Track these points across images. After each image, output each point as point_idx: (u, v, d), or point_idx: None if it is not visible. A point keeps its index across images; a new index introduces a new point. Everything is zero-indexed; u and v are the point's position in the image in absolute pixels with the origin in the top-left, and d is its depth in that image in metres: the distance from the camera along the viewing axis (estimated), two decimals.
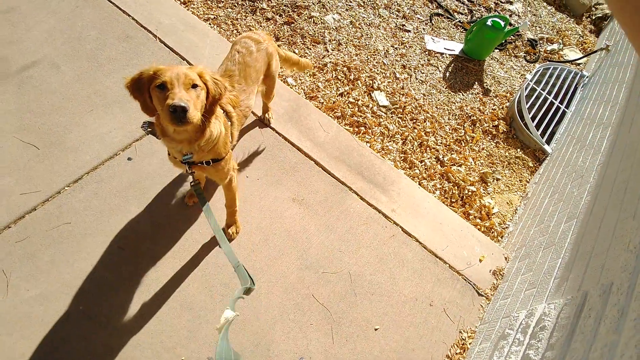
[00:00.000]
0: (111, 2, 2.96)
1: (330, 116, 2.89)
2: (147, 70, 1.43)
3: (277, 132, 2.61)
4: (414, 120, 3.08)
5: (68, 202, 2.15)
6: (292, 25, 3.43)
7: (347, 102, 3.05)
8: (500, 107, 3.38)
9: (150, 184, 2.28)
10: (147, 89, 1.44)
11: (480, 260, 2.37)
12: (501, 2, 4.44)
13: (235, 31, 3.26)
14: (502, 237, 2.63)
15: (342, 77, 3.21)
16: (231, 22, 3.33)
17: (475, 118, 3.22)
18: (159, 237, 2.14)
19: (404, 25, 3.76)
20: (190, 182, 1.71)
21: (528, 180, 2.99)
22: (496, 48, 3.86)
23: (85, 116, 2.44)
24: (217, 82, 1.54)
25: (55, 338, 1.83)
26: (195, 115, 1.38)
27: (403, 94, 3.21)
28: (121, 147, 2.36)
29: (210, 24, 3.25)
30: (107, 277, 1.99)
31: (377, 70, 3.32)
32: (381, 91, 3.19)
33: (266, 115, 2.59)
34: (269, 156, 2.51)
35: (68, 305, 1.91)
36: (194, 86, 1.43)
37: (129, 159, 2.34)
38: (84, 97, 2.50)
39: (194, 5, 3.36)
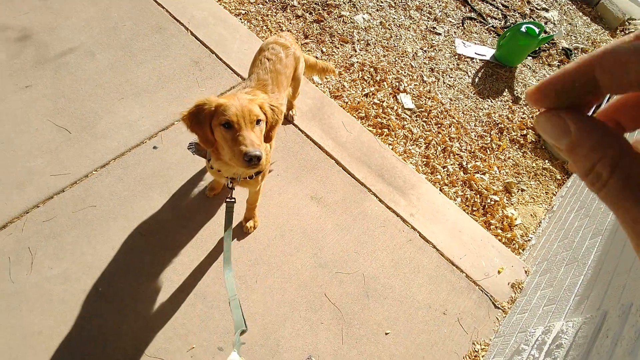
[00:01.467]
0: None
1: (354, 116, 2.85)
2: (207, 105, 1.42)
3: (299, 129, 2.60)
4: (439, 125, 3.01)
5: (95, 185, 2.20)
6: (322, 23, 3.41)
7: (371, 103, 3.01)
8: (530, 116, 3.26)
9: (173, 173, 2.31)
10: (208, 123, 1.42)
11: (499, 272, 2.29)
12: (537, 8, 4.28)
13: (265, 27, 3.26)
14: (523, 250, 2.54)
15: (368, 77, 3.16)
16: (261, 18, 3.33)
17: (503, 126, 3.11)
18: (179, 226, 2.16)
19: (435, 27, 3.68)
20: (227, 198, 1.67)
21: (554, 192, 2.87)
22: (529, 55, 3.72)
23: (116, 104, 2.49)
24: (274, 109, 1.55)
25: (72, 316, 1.87)
26: (265, 159, 1.40)
27: (429, 98, 3.14)
28: (148, 136, 2.40)
29: (240, 19, 3.26)
30: (127, 262, 2.03)
31: (405, 72, 3.26)
32: (407, 94, 3.13)
33: (290, 112, 2.58)
34: (290, 153, 2.49)
35: (88, 285, 1.95)
36: (258, 121, 1.43)
37: (155, 147, 2.37)
38: (116, 85, 2.56)
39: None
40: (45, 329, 1.83)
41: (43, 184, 2.17)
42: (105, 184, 2.22)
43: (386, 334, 2.01)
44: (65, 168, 2.23)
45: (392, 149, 2.75)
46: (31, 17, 2.78)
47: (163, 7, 2.96)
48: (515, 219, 2.64)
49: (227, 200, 1.67)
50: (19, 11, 2.81)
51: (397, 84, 3.17)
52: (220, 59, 2.79)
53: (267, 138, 1.57)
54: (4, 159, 2.22)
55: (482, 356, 2.03)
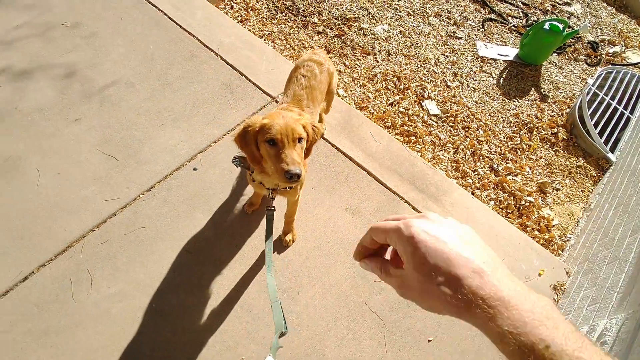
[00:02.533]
0: (178, 24, 3.18)
1: (381, 126, 2.89)
2: (252, 125, 1.53)
3: (330, 142, 2.66)
4: (466, 129, 3.00)
5: (142, 208, 2.33)
6: (343, 37, 3.48)
7: (397, 111, 3.04)
8: (560, 113, 3.20)
9: (213, 192, 2.41)
10: (254, 141, 1.53)
11: (540, 275, 2.25)
12: (558, 3, 4.20)
13: (288, 46, 3.36)
14: (562, 251, 2.48)
15: (392, 87, 3.20)
16: (284, 37, 3.44)
17: (532, 125, 3.07)
18: (222, 243, 2.25)
19: (455, 32, 3.68)
20: (267, 207, 1.74)
21: (591, 190, 2.80)
22: (554, 52, 3.65)
23: (157, 130, 2.63)
24: (315, 129, 1.64)
25: (129, 333, 1.98)
26: (304, 174, 1.48)
27: (454, 102, 3.13)
28: (187, 158, 2.52)
29: (265, 39, 3.38)
30: (176, 279, 2.13)
31: (428, 79, 3.27)
32: (432, 100, 3.14)
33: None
34: (322, 166, 2.55)
35: (143, 302, 2.06)
36: (299, 139, 1.52)
37: (195, 169, 2.49)
38: (156, 113, 2.70)
39: (249, 22, 3.51)
40: (106, 345, 1.95)
41: (96, 209, 2.32)
42: (152, 206, 2.35)
43: (429, 341, 2.01)
44: (115, 193, 2.37)
45: (421, 155, 2.76)
46: (75, 55, 2.99)
47: (194, 36, 3.11)
48: (552, 220, 2.59)
49: (268, 209, 1.74)
50: (64, 50, 3.02)
51: (421, 91, 3.19)
52: (250, 81, 2.90)
53: (307, 154, 1.68)
54: (61, 188, 2.39)
55: None
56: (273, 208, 1.75)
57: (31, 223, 2.26)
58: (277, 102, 2.80)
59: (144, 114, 2.69)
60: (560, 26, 3.24)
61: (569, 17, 4.08)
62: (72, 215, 2.29)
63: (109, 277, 2.12)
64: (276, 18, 3.57)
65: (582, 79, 3.54)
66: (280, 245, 2.25)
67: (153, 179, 2.43)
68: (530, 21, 3.94)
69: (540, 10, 4.10)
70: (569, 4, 4.22)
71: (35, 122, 2.67)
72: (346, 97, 3.10)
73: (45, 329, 1.96)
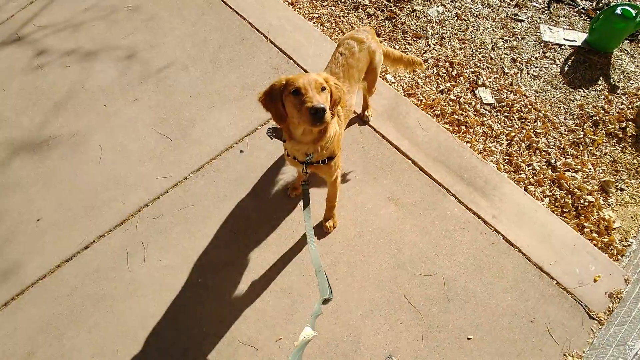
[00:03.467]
0: (230, 7, 3.19)
1: (430, 114, 2.76)
2: (278, 82, 1.54)
3: (375, 130, 2.58)
4: (523, 120, 2.79)
5: (192, 187, 2.42)
6: (394, 20, 3.33)
7: (447, 99, 2.88)
8: (630, 106, 2.87)
9: (258, 175, 2.45)
10: (279, 98, 1.54)
11: (595, 280, 2.08)
12: None
13: (337, 29, 3.27)
14: (622, 256, 2.27)
15: (443, 73, 3.03)
16: (334, 20, 3.35)
17: (598, 118, 2.79)
18: (264, 225, 2.29)
19: (517, 14, 3.39)
20: (302, 182, 1.80)
21: None
22: (626, 39, 3.26)
23: (207, 112, 2.70)
24: (338, 87, 1.62)
25: (178, 303, 2.10)
26: (329, 115, 1.46)
27: (511, 91, 2.91)
28: (235, 141, 2.57)
29: (314, 22, 3.31)
30: (221, 256, 2.21)
31: (483, 65, 3.06)
32: (486, 87, 2.94)
33: (366, 112, 2.57)
34: (366, 154, 2.50)
35: (190, 276, 2.17)
36: (323, 89, 1.52)
37: (241, 151, 2.53)
38: (207, 95, 2.76)
39: (299, 5, 3.45)
40: (158, 312, 2.08)
41: (150, 185, 2.44)
42: (200, 185, 2.43)
43: (468, 339, 1.95)
44: (168, 172, 2.47)
45: (470, 147, 2.62)
46: (136, 37, 3.11)
47: (245, 19, 3.11)
48: (613, 222, 2.36)
49: (302, 183, 1.79)
50: (126, 32, 3.15)
51: (475, 78, 2.99)
52: (297, 64, 2.87)
53: (331, 113, 1.61)
54: (121, 164, 2.53)
55: None
56: (307, 182, 1.79)
57: (94, 195, 2.43)
58: None
59: (195, 96, 2.76)
60: (634, 12, 2.88)
61: None
62: (130, 190, 2.43)
63: (160, 250, 2.24)
64: (326, 0, 3.47)
65: None
66: (322, 232, 2.25)
67: (202, 160, 2.51)
68: (601, 4, 3.53)
69: None
70: None
71: (99, 101, 2.83)
72: (394, 82, 2.98)
73: (103, 295, 2.12)
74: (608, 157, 2.66)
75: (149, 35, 3.11)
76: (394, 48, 3.16)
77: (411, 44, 3.18)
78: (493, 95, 2.91)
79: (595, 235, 2.31)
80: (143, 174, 2.48)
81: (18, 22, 3.29)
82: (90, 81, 2.94)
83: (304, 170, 1.78)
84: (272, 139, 1.79)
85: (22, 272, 2.21)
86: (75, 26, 3.24)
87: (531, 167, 2.58)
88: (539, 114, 2.81)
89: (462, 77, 2.99)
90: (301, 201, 2.34)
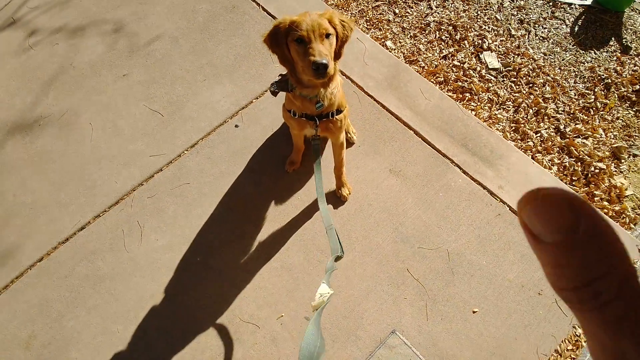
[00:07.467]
0: None
1: (432, 82, 2.55)
2: (283, 23, 1.44)
3: (375, 99, 2.39)
4: (530, 85, 2.58)
5: (187, 164, 2.28)
6: None
7: (451, 65, 2.66)
8: None
9: (254, 150, 2.29)
10: (284, 42, 1.45)
11: None
12: None
13: None
14: (635, 225, 2.13)
15: (446, 37, 2.79)
16: None
17: (610, 81, 2.57)
18: (262, 201, 2.16)
19: None
20: (312, 137, 1.73)
21: None
22: None
23: (199, 86, 2.51)
24: (344, 24, 1.50)
25: (177, 283, 2.00)
26: (332, 67, 1.41)
27: (518, 54, 2.68)
28: (229, 115, 2.40)
29: None
30: (220, 234, 2.10)
31: (488, 27, 2.81)
32: (492, 51, 2.71)
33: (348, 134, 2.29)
34: (367, 124, 2.32)
35: (188, 255, 2.06)
36: (327, 35, 1.42)
37: (236, 126, 2.37)
38: (198, 68, 2.57)
39: None
40: (157, 292, 1.99)
41: (144, 164, 2.30)
42: (195, 162, 2.28)
43: (474, 312, 1.84)
44: (161, 149, 2.33)
45: (475, 115, 2.43)
46: (123, 10, 2.88)
47: None
48: (626, 189, 2.21)
49: (313, 139, 1.73)
50: (113, 5, 2.92)
51: (480, 41, 2.75)
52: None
53: (338, 55, 1.54)
54: (112, 142, 2.38)
55: (584, 341, 1.77)
56: (318, 137, 1.73)
57: (87, 175, 2.30)
58: None
59: (187, 69, 2.57)
60: None
61: None
62: (123, 169, 2.29)
63: (157, 230, 2.13)
64: None
65: None
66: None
67: (196, 136, 2.35)
68: None
69: None
70: None
71: (88, 77, 2.65)
72: (395, 49, 2.76)
73: (102, 276, 2.03)
74: (620, 121, 2.46)
75: (136, 6, 2.88)
76: (394, 13, 2.91)
77: (412, 7, 2.92)
78: (499, 60, 2.68)
79: (606, 203, 2.16)
80: (136, 152, 2.33)
81: (15, 6, 3.07)
82: (79, 58, 2.74)
83: (315, 126, 1.69)
84: (275, 94, 1.65)
85: (19, 255, 2.11)
86: (64, 3, 3.00)
87: (539, 135, 2.39)
88: (548, 77, 2.59)
89: (466, 41, 2.75)
90: (302, 177, 2.20)
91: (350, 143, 2.26)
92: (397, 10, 2.93)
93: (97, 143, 2.39)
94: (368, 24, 2.87)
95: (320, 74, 1.38)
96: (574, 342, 1.77)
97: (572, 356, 1.75)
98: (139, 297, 1.97)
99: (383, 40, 2.78)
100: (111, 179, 2.27)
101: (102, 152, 2.35)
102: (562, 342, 1.77)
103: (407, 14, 2.91)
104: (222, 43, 2.65)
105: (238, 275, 2.00)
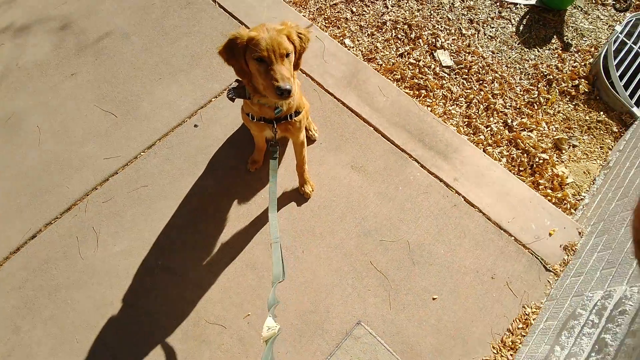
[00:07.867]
0: None
1: (390, 79, 2.62)
2: (240, 37, 1.40)
3: (335, 97, 2.43)
4: (481, 81, 2.71)
5: (144, 166, 2.20)
6: None
7: (407, 63, 2.75)
8: (582, 63, 2.86)
9: (215, 149, 2.26)
10: (242, 54, 1.42)
11: (550, 234, 2.10)
12: None
13: None
14: (575, 210, 2.31)
15: (402, 35, 2.88)
16: None
17: (551, 77, 2.76)
18: (225, 201, 2.13)
19: None
20: (271, 142, 1.70)
21: (611, 147, 2.55)
22: None
23: (155, 85, 2.43)
24: (302, 36, 1.49)
25: (138, 288, 1.94)
26: (295, 90, 1.41)
27: (469, 52, 2.82)
28: (188, 115, 2.34)
29: None
30: (181, 236, 2.05)
31: (441, 26, 2.93)
32: (445, 50, 2.83)
33: (310, 132, 2.32)
34: (327, 122, 2.35)
35: (148, 259, 2.00)
36: (287, 55, 1.41)
37: (196, 125, 2.32)
38: (152, 66, 2.48)
39: None
40: (116, 299, 1.91)
41: (98, 167, 2.20)
42: (153, 164, 2.21)
43: (434, 299, 1.93)
44: (116, 151, 2.23)
45: (431, 110, 2.53)
46: (70, 6, 2.73)
47: None
48: (566, 177, 2.39)
49: (271, 143, 1.70)
50: (59, 1, 2.75)
51: (434, 40, 2.86)
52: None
53: (296, 66, 1.55)
54: (62, 146, 2.26)
55: (533, 319, 1.91)
56: (277, 142, 1.71)
57: (37, 181, 2.17)
58: None
59: (140, 67, 2.48)
60: None
61: None
62: (75, 174, 2.18)
63: (114, 235, 2.05)
64: None
65: (609, 26, 3.14)
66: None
67: (153, 136, 2.27)
68: None
69: None
70: None
71: (34, 78, 2.49)
72: (353, 47, 2.81)
73: (56, 285, 1.93)
74: (561, 115, 2.65)
75: (85, 1, 2.73)
76: (352, 11, 2.96)
77: (369, 6, 2.99)
78: (452, 58, 2.80)
79: (549, 191, 2.33)
80: (88, 155, 2.22)
81: None
82: (25, 57, 2.57)
83: (274, 129, 1.67)
84: (233, 100, 1.62)
85: None
86: (10, 1, 2.79)
87: (489, 129, 2.53)
88: (496, 75, 2.75)
89: (420, 40, 2.85)
90: (264, 175, 2.19)
91: (311, 140, 2.28)
92: (354, 9, 2.98)
93: (47, 147, 2.25)
94: (326, 22, 2.90)
95: (284, 97, 1.39)
96: (523, 320, 1.90)
97: (522, 334, 1.88)
98: (97, 305, 1.89)
99: (341, 38, 2.82)
100: (62, 183, 2.15)
101: (52, 157, 2.22)
102: (513, 321, 1.90)
103: (364, 13, 2.97)
104: (177, 40, 2.57)
105: (202, 276, 1.96)
